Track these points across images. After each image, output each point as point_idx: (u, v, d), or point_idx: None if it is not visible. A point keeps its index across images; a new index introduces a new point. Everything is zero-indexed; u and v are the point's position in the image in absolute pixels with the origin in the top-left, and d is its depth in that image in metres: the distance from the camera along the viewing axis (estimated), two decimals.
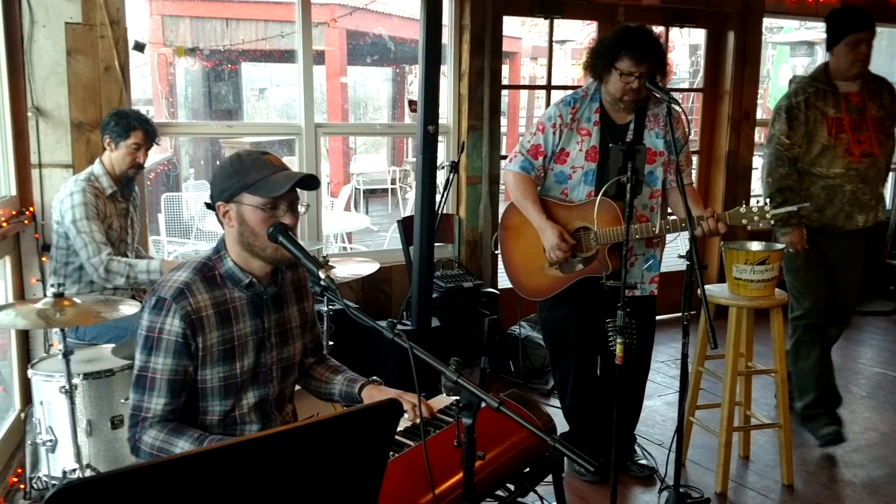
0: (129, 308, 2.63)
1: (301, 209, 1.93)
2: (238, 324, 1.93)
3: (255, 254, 1.91)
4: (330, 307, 3.50)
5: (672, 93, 2.84)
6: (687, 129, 3.23)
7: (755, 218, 2.80)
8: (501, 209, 5.01)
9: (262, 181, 1.84)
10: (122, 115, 3.28)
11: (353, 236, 7.85)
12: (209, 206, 1.93)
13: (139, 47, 3.91)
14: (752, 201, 2.92)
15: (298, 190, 1.90)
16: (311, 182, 1.89)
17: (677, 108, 2.91)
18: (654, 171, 3.07)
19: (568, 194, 3.09)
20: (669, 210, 3.23)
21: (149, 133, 3.28)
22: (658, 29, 5.63)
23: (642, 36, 2.94)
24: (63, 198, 3.16)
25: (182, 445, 1.82)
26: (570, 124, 3.06)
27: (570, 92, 3.18)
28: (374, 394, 2.10)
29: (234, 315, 1.92)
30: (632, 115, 3.05)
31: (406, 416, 2.05)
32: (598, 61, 3.00)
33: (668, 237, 3.22)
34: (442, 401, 2.25)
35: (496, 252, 3.33)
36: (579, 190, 3.06)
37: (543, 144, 3.08)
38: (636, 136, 3.02)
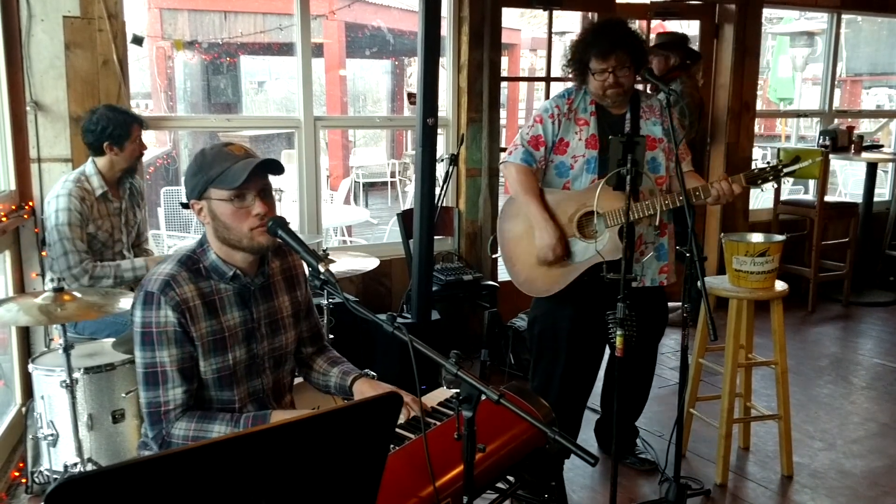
0: (129, 302, 2.63)
1: (275, 195, 1.92)
2: (226, 315, 1.92)
3: (233, 246, 1.90)
4: (330, 300, 3.50)
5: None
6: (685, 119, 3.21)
7: (770, 176, 2.80)
8: (501, 202, 5.02)
9: (224, 173, 1.83)
10: (116, 119, 3.18)
11: (352, 230, 7.84)
12: (184, 205, 1.92)
13: (137, 41, 3.90)
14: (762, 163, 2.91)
15: (271, 176, 1.89)
16: (274, 167, 1.88)
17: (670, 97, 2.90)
18: (655, 157, 3.02)
19: (570, 187, 3.02)
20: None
21: (141, 120, 3.32)
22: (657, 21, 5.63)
23: (604, 30, 2.93)
24: (51, 199, 3.17)
25: (218, 429, 1.83)
26: (567, 114, 3.03)
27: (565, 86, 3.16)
28: (365, 388, 2.08)
29: (220, 306, 1.91)
30: (626, 106, 3.02)
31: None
32: (574, 68, 3.00)
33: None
34: (442, 393, 2.24)
35: (494, 256, 3.24)
36: (582, 179, 2.99)
37: (543, 134, 3.04)
38: (633, 126, 3.00)
